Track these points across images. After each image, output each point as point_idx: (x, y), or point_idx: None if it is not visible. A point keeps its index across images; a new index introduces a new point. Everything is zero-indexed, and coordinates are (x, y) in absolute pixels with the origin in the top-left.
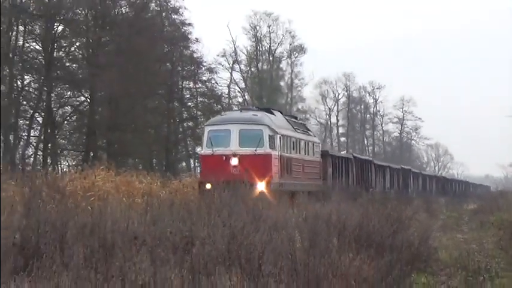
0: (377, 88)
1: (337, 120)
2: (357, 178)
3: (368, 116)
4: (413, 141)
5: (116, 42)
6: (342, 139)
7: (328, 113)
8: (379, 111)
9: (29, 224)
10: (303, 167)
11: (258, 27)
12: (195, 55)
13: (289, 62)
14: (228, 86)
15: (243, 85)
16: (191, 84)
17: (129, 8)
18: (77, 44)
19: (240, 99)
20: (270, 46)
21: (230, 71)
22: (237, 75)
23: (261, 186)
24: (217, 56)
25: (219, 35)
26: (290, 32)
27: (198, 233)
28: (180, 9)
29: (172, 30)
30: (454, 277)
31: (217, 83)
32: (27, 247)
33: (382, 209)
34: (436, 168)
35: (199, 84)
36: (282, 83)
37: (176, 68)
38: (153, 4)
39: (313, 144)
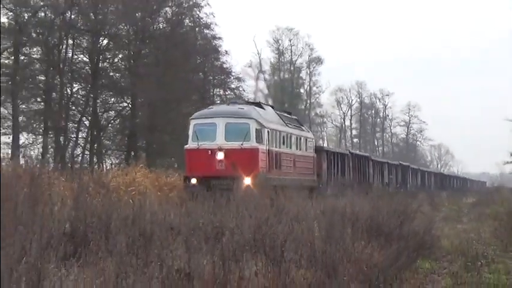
0: (386, 95)
1: (351, 124)
2: (354, 173)
3: (378, 119)
4: (418, 142)
5: (154, 54)
6: (355, 140)
7: (343, 117)
8: (388, 115)
9: (78, 216)
10: (294, 162)
11: (280, 41)
12: (224, 66)
13: (308, 72)
14: (254, 93)
15: (267, 92)
16: (221, 92)
17: (166, 23)
18: (120, 55)
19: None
20: (291, 58)
21: (256, 79)
22: (261, 84)
23: (247, 180)
24: (245, 66)
25: (246, 47)
26: (309, 45)
27: (227, 224)
28: (211, 25)
29: (205, 43)
30: (454, 263)
31: (244, 91)
32: (76, 236)
33: (391, 202)
34: (439, 166)
35: (229, 92)
36: (301, 90)
37: (208, 77)
38: (187, 20)
39: (305, 140)
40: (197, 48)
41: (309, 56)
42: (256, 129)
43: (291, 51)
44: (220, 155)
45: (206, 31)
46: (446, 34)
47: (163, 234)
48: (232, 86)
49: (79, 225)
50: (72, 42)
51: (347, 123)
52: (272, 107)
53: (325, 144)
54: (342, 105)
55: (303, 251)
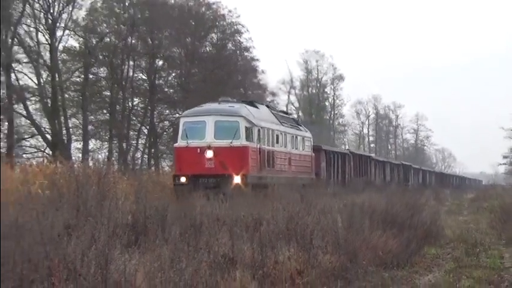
0: (398, 107)
1: (368, 132)
2: (355, 172)
3: (391, 128)
4: (425, 147)
5: (202, 73)
6: (372, 145)
7: (361, 126)
8: (399, 124)
9: (138, 209)
10: (290, 161)
11: (308, 62)
12: (261, 82)
13: (332, 88)
14: (286, 106)
15: (297, 105)
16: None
17: (212, 47)
18: (173, 74)
19: (295, 115)
20: (317, 75)
21: (288, 94)
22: (292, 98)
23: (237, 179)
24: (278, 82)
25: (279, 66)
26: (332, 65)
27: (264, 215)
28: (250, 48)
29: (244, 64)
30: (456, 249)
31: (277, 103)
32: (137, 226)
33: (402, 197)
34: (442, 167)
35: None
36: (326, 103)
37: (247, 92)
38: (230, 44)
39: (302, 139)
40: (238, 68)
41: (333, 74)
42: (246, 127)
43: (318, 70)
44: (209, 153)
45: (246, 53)
46: (449, 51)
47: (211, 224)
48: (268, 99)
49: (139, 217)
50: (132, 63)
51: (365, 131)
52: (268, 106)
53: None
54: (360, 116)
55: (328, 239)
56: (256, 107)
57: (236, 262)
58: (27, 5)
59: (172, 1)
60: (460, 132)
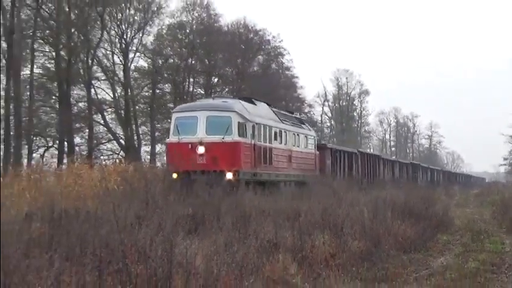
0: (415, 116)
1: (390, 137)
2: (363, 170)
3: (409, 134)
4: (438, 150)
5: (251, 89)
6: (393, 149)
7: (384, 132)
8: (416, 131)
9: (197, 202)
10: (290, 158)
11: (339, 79)
12: (300, 96)
13: (359, 100)
14: (321, 116)
15: (330, 115)
16: (297, 115)
17: (259, 67)
18: (226, 89)
19: (328, 124)
20: (347, 90)
21: (322, 106)
22: (326, 109)
23: (229, 175)
24: (314, 96)
25: (315, 81)
26: (360, 82)
27: (303, 208)
28: (291, 68)
29: (286, 80)
30: (464, 236)
31: (314, 114)
32: (196, 217)
33: (419, 192)
34: (452, 167)
35: (303, 115)
36: (354, 114)
37: (288, 104)
38: (273, 65)
39: (305, 137)
40: (281, 84)
41: (360, 89)
42: (239, 122)
43: (347, 86)
44: (201, 149)
45: (287, 72)
46: (462, 66)
47: (258, 215)
48: (306, 110)
49: (198, 209)
50: (192, 80)
51: (387, 137)
52: (268, 104)
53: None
54: (383, 124)
55: (356, 227)
56: (253, 104)
57: (279, 246)
58: (105, 32)
59: (226, 28)
60: (467, 136)
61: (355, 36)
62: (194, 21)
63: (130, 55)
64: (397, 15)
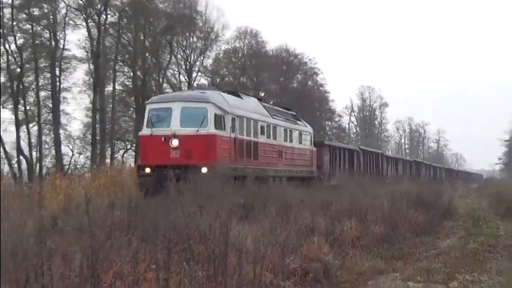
0: (425, 124)
1: (405, 141)
2: (365, 167)
3: (421, 139)
4: (444, 152)
5: (291, 102)
6: (407, 151)
7: (400, 137)
8: (426, 136)
9: (248, 195)
10: (281, 153)
11: (363, 93)
12: (331, 108)
13: (380, 111)
14: (348, 124)
15: (355, 123)
16: (329, 123)
17: (298, 84)
18: (271, 102)
19: (354, 130)
20: (369, 103)
21: (349, 116)
22: (353, 118)
23: (204, 169)
24: (342, 108)
25: (344, 94)
26: (380, 96)
27: (333, 198)
28: (324, 85)
29: (320, 95)
30: (466, 222)
31: (342, 122)
32: (247, 206)
33: (430, 186)
34: (456, 165)
35: (334, 123)
36: (376, 122)
37: (322, 114)
38: (310, 82)
39: (299, 133)
40: (315, 97)
41: (380, 102)
42: (216, 114)
43: (370, 99)
44: (174, 142)
45: (321, 88)
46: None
47: (297, 204)
48: (336, 119)
49: (249, 199)
50: None
51: (402, 141)
52: (259, 99)
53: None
54: (399, 130)
55: (378, 214)
56: (239, 97)
57: (314, 230)
58: (173, 56)
59: (271, 52)
60: (468, 137)
61: (378, 55)
62: (245, 47)
63: (194, 74)
64: (416, 36)
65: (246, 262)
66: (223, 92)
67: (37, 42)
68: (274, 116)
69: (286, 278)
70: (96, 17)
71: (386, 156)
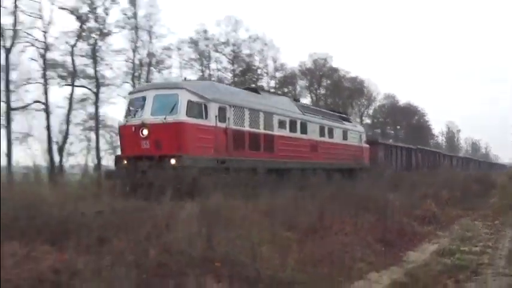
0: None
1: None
2: (423, 162)
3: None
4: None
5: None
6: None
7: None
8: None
9: (394, 178)
10: (315, 147)
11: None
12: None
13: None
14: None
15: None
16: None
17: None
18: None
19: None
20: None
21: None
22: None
23: (172, 161)
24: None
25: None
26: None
27: (432, 179)
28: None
29: (419, 118)
30: (501, 191)
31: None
32: (395, 184)
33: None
34: (492, 160)
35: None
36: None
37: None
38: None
39: (343, 130)
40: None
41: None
42: (190, 101)
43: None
44: (144, 132)
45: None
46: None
47: (421, 183)
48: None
49: (395, 181)
50: None
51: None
52: (297, 100)
53: None
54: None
55: (457, 186)
56: (256, 92)
57: (427, 196)
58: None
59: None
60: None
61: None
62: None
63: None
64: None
65: (394, 212)
66: (245, 89)
67: None
68: (306, 114)
69: (413, 220)
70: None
71: (442, 154)
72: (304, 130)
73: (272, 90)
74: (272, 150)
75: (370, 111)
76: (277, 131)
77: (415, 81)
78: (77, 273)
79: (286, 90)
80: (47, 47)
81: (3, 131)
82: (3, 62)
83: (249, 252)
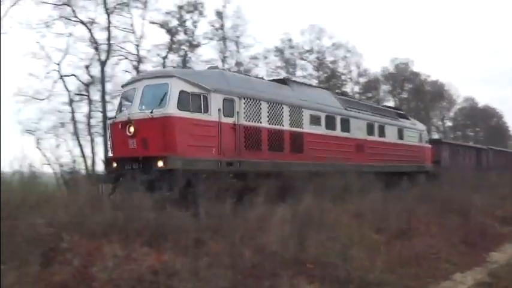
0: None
1: None
2: (495, 163)
3: None
4: None
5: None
6: None
7: None
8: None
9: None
10: (361, 147)
11: None
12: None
13: None
14: None
15: None
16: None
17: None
18: None
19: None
20: None
21: None
22: None
23: (160, 163)
24: None
25: None
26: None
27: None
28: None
29: (496, 121)
30: None
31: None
32: (478, 185)
33: None
34: None
35: None
36: None
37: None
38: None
39: (398, 129)
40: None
41: None
42: (182, 91)
43: None
44: (131, 129)
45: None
46: None
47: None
48: None
49: (478, 182)
50: None
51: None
52: (338, 93)
53: None
54: None
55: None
56: (284, 83)
57: (507, 198)
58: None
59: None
60: None
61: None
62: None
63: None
64: None
65: (477, 213)
66: (273, 80)
67: None
68: (350, 109)
69: (495, 221)
70: None
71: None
72: (346, 127)
73: (356, 95)
74: (301, 151)
75: (451, 114)
76: (308, 128)
77: (493, 83)
78: (175, 273)
79: (370, 95)
80: (139, 60)
81: (101, 139)
82: (99, 75)
83: (339, 253)
